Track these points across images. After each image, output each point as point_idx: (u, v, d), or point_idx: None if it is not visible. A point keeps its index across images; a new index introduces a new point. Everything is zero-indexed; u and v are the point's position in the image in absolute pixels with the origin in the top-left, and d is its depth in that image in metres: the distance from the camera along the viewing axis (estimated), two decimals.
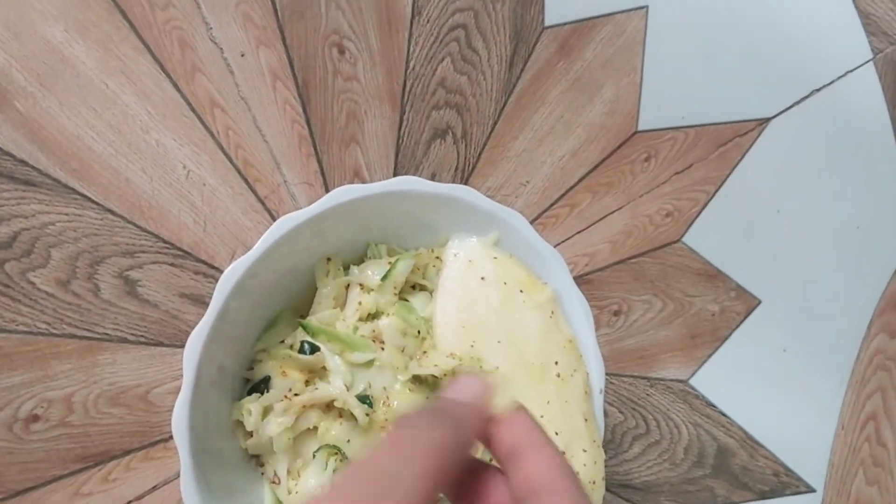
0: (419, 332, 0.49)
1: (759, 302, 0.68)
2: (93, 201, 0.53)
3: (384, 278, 0.49)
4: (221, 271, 0.53)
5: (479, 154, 0.62)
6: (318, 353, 0.48)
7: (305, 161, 0.58)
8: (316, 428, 0.48)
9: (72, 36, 0.53)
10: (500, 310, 0.49)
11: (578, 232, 0.64)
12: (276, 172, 0.57)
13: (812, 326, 0.70)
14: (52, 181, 0.53)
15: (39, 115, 0.53)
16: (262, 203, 0.57)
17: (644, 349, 0.65)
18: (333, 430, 0.47)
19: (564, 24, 0.64)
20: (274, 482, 0.48)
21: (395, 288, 0.50)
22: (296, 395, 0.47)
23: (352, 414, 0.47)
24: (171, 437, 0.54)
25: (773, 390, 0.69)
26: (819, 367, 0.70)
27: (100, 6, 0.54)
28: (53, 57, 0.53)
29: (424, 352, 0.49)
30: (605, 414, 0.51)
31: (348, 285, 0.51)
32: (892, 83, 0.73)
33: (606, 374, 0.51)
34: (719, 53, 0.69)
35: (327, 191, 0.56)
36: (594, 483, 0.48)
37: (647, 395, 0.65)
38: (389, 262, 0.50)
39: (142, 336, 0.54)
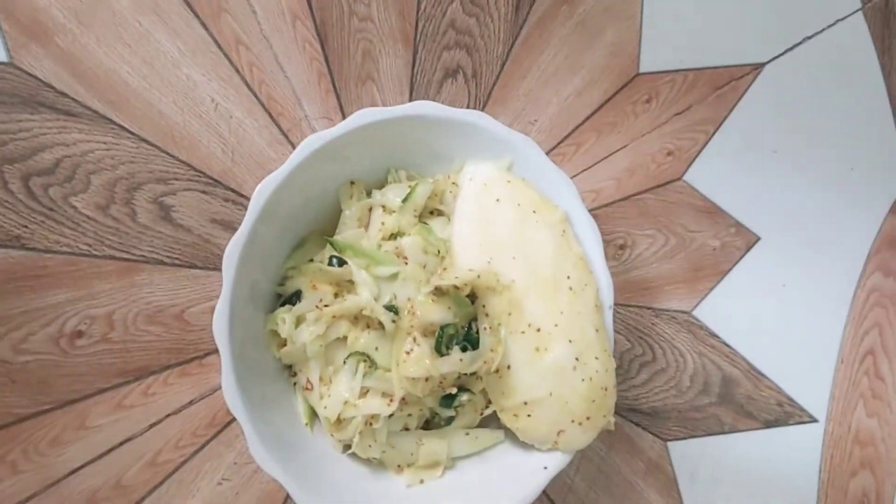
0: (439, 251, 0.52)
1: (759, 238, 0.70)
2: (129, 131, 0.56)
3: (405, 200, 0.52)
4: (249, 199, 0.56)
5: (489, 93, 0.65)
6: (345, 266, 0.50)
7: (325, 97, 0.61)
8: (345, 337, 0.50)
9: None
10: (514, 229, 0.52)
11: (585, 169, 0.67)
12: (297, 107, 0.60)
13: (810, 264, 0.72)
14: (91, 112, 0.55)
15: (79, 50, 0.55)
16: (286, 136, 0.59)
17: (649, 281, 0.68)
18: (362, 339, 0.50)
19: None
20: (307, 388, 0.51)
21: (415, 210, 0.53)
22: (326, 305, 0.50)
23: (379, 323, 0.49)
24: (206, 355, 0.56)
25: (774, 324, 0.71)
26: (817, 303, 0.72)
27: None
28: None
29: (444, 268, 0.52)
30: (614, 342, 0.53)
31: (371, 208, 0.53)
32: (881, 31, 0.75)
33: (614, 303, 0.54)
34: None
35: None
36: (606, 389, 0.51)
37: (653, 324, 0.67)
38: (409, 186, 0.53)
39: (177, 258, 0.56)
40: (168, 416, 0.55)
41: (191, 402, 0.56)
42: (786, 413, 0.70)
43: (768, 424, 0.69)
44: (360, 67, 0.61)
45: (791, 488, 0.70)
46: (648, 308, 0.67)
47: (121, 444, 0.54)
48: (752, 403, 0.69)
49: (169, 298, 0.56)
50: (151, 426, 0.55)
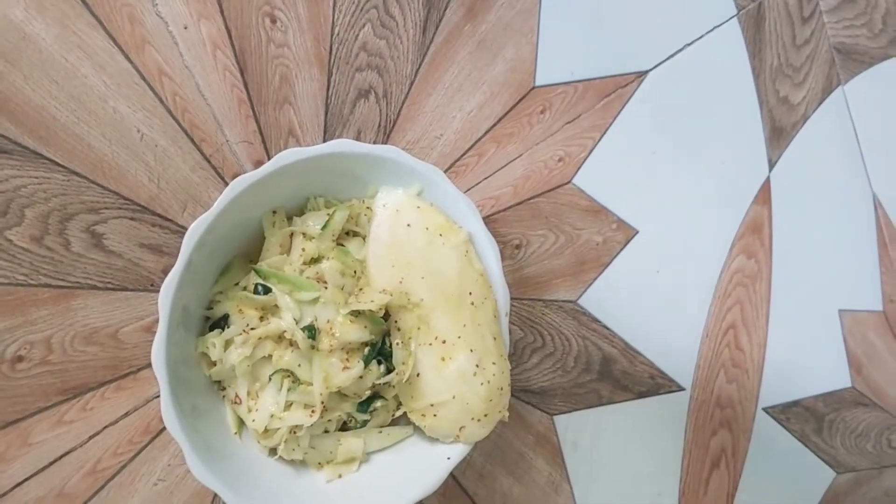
0: (355, 272, 0.57)
1: (637, 232, 0.77)
2: (59, 165, 0.58)
3: (324, 227, 0.57)
4: (175, 223, 0.60)
5: (399, 111, 0.69)
6: (270, 293, 0.55)
7: (245, 122, 0.63)
8: (271, 356, 0.55)
9: (31, 14, 0.57)
10: (423, 251, 0.57)
11: (485, 178, 0.72)
12: (219, 133, 0.63)
13: (682, 251, 0.79)
14: (21, 148, 0.57)
15: (6, 88, 0.56)
16: (208, 161, 0.62)
17: (540, 276, 0.74)
18: (286, 357, 0.55)
19: None
20: (235, 402, 0.56)
21: (333, 235, 0.57)
22: (252, 328, 0.55)
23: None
24: (139, 370, 0.60)
25: (648, 306, 0.78)
26: (687, 285, 0.80)
27: None
28: (16, 34, 0.57)
29: (360, 289, 0.57)
30: (509, 332, 0.60)
31: (292, 234, 0.58)
32: (753, 36, 0.81)
33: (511, 298, 0.60)
34: (603, 12, 0.76)
35: (266, 148, 0.63)
36: (502, 389, 0.58)
37: (543, 314, 0.74)
38: (328, 213, 0.57)
39: (109, 282, 0.59)
40: (106, 427, 0.59)
41: (126, 414, 0.60)
42: (657, 384, 0.78)
43: (641, 395, 0.78)
44: (278, 92, 0.65)
45: (660, 449, 0.79)
46: (539, 300, 0.74)
47: (62, 456, 0.58)
48: (627, 378, 0.77)
49: (103, 320, 0.59)
50: (91, 438, 0.59)
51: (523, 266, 0.74)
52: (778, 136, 0.83)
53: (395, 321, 0.58)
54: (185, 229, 0.51)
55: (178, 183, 0.61)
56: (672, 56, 0.79)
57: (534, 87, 0.73)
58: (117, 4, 0.59)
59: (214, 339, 0.55)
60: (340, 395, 0.57)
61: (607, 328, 0.77)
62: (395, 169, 0.57)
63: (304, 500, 0.57)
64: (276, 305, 0.55)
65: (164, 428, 0.51)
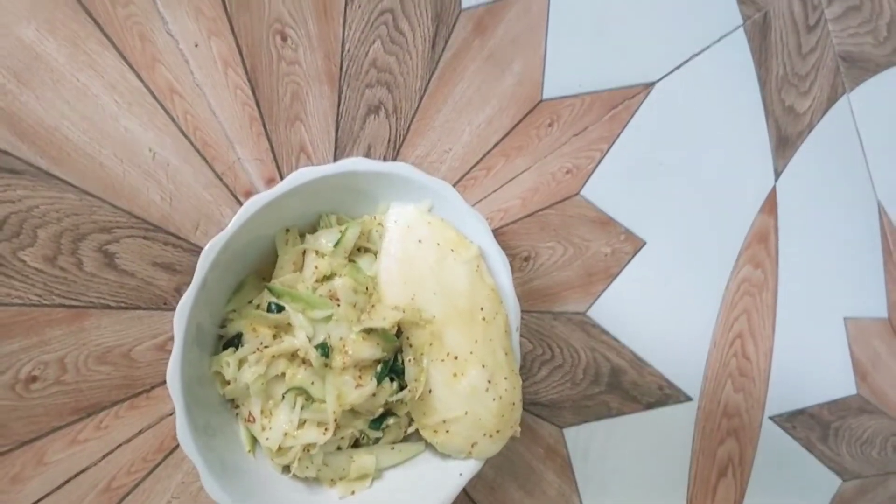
0: (367, 288, 0.57)
1: (645, 243, 0.77)
2: (72, 185, 0.58)
3: (336, 244, 0.57)
4: (188, 241, 0.60)
5: (409, 126, 0.69)
6: (283, 311, 0.55)
7: (256, 139, 0.64)
8: (284, 374, 0.56)
9: (43, 35, 0.57)
10: (434, 267, 0.57)
11: (494, 191, 0.72)
12: (230, 151, 0.63)
13: (690, 262, 0.79)
14: (34, 169, 0.57)
15: (19, 109, 0.57)
16: (220, 179, 0.62)
17: (549, 288, 0.74)
18: (299, 375, 0.55)
19: (479, 5, 0.71)
20: (249, 421, 0.57)
21: (345, 252, 0.57)
22: (266, 347, 0.55)
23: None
24: (152, 388, 0.60)
25: (656, 317, 0.78)
26: (695, 296, 0.80)
27: (66, 5, 0.58)
28: (28, 55, 0.57)
29: (373, 305, 0.57)
30: (520, 359, 0.60)
31: (305, 252, 0.58)
32: (759, 46, 0.82)
33: (520, 311, 0.60)
34: (610, 25, 0.76)
35: (277, 166, 0.63)
36: (514, 404, 0.58)
37: (552, 326, 0.74)
38: (340, 231, 0.57)
39: (122, 302, 0.60)
40: (120, 445, 0.59)
41: (140, 432, 0.60)
42: (665, 395, 0.78)
43: (650, 406, 0.78)
44: (289, 109, 0.65)
45: (668, 459, 0.79)
46: (549, 312, 0.74)
47: (77, 475, 0.58)
48: (636, 389, 0.77)
49: (116, 339, 0.59)
50: (105, 456, 0.59)
51: (532, 278, 0.74)
52: (784, 145, 0.84)
53: (408, 337, 0.58)
54: (198, 247, 0.51)
55: (190, 201, 0.61)
56: (678, 67, 0.79)
57: (542, 100, 0.74)
58: (128, 23, 0.59)
59: (229, 358, 0.55)
60: (353, 412, 0.57)
61: (616, 339, 0.77)
62: (407, 185, 0.57)
63: None
64: (289, 324, 0.56)
65: (178, 446, 0.51)
